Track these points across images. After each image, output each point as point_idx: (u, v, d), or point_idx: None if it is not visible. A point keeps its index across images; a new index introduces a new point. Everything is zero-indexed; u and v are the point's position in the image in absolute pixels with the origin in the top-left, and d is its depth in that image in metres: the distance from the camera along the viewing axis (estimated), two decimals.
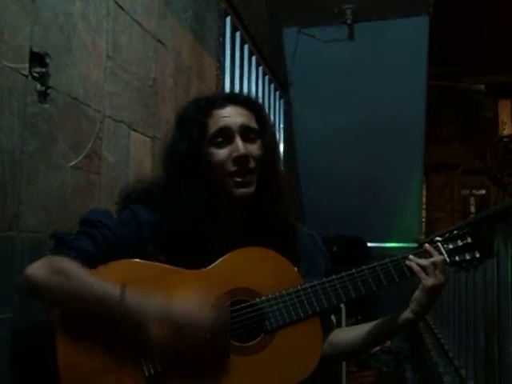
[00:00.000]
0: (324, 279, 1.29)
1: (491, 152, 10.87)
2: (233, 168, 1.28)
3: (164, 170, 1.36)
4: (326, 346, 1.36)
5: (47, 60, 1.49)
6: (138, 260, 1.24)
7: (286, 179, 1.43)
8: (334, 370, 3.12)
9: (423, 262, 1.29)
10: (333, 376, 3.11)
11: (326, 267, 1.40)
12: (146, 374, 1.16)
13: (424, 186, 9.20)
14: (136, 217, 1.30)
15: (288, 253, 1.31)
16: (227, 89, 3.43)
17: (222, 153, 1.29)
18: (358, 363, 4.18)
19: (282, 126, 5.53)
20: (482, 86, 10.38)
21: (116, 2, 1.88)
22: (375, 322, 1.38)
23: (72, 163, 1.62)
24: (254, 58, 4.39)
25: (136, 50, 2.05)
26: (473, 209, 12.30)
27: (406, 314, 1.30)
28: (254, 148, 1.31)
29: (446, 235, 1.36)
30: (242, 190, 1.29)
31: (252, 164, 1.30)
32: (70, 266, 1.18)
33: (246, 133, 1.31)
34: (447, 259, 1.32)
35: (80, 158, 1.66)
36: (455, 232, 1.36)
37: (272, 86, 5.15)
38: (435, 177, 11.60)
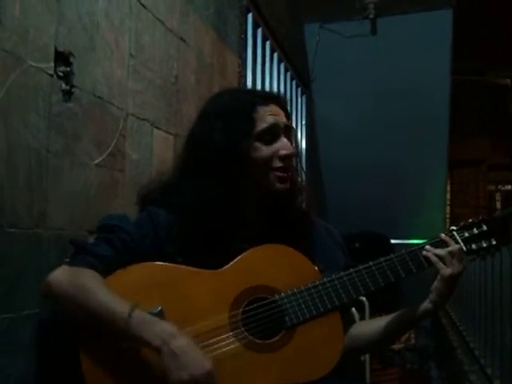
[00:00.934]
0: (342, 273, 1.28)
1: None
2: (278, 164, 1.31)
3: (189, 164, 1.34)
4: (347, 339, 1.35)
5: (71, 59, 1.51)
6: (155, 263, 1.25)
7: (305, 174, 1.46)
8: (357, 366, 3.10)
9: (440, 251, 1.28)
10: (357, 373, 3.10)
11: (344, 261, 1.39)
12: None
13: (448, 182, 9.09)
14: (153, 219, 1.30)
15: (306, 248, 1.32)
16: (249, 86, 3.43)
17: (268, 149, 1.31)
18: (381, 360, 4.16)
19: (303, 122, 5.51)
20: (508, 81, 10.21)
21: (138, 1, 1.89)
22: (395, 313, 1.37)
23: (96, 161, 1.64)
24: (275, 55, 4.39)
25: (158, 48, 2.06)
26: (498, 205, 12.13)
27: (426, 305, 1.30)
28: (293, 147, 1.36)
29: (462, 224, 1.35)
30: (283, 185, 1.32)
31: (293, 162, 1.35)
32: (85, 277, 1.19)
33: (288, 132, 1.35)
34: (464, 248, 1.32)
35: (104, 155, 1.68)
36: (470, 220, 1.35)
37: (294, 82, 5.14)
38: (460, 172, 11.46)
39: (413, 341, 4.55)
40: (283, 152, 1.31)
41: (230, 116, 1.31)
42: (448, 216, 9.37)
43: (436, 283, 1.28)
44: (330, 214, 5.56)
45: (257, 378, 1.20)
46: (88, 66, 1.60)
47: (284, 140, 1.32)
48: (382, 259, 1.30)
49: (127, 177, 1.82)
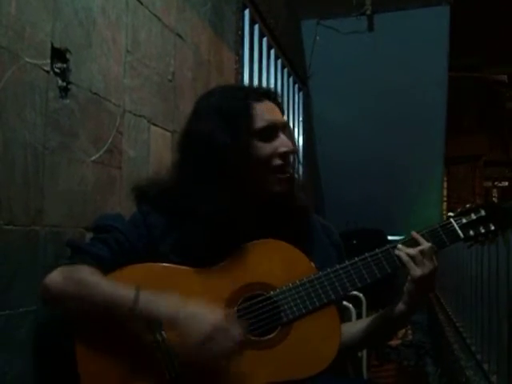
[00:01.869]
0: (337, 266, 1.28)
1: None
2: (278, 162, 1.29)
3: (186, 163, 1.31)
4: None
5: (68, 56, 1.50)
6: (150, 264, 1.25)
7: (302, 171, 1.45)
8: (354, 362, 3.12)
9: (411, 251, 1.26)
10: (353, 369, 3.11)
11: (340, 261, 1.36)
12: (167, 377, 1.17)
13: (445, 178, 9.11)
14: (146, 218, 1.30)
15: (303, 246, 1.31)
16: (246, 82, 3.43)
17: (268, 147, 1.29)
18: (378, 357, 4.17)
19: (301, 118, 5.51)
20: (505, 77, 10.22)
21: None
22: (376, 314, 1.37)
23: (93, 158, 1.64)
24: (272, 51, 4.38)
25: (155, 45, 2.05)
26: (495, 201, 12.15)
27: (400, 307, 1.29)
28: None
29: (459, 210, 1.33)
30: (282, 187, 1.30)
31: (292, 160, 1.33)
32: (83, 274, 1.20)
33: (285, 129, 1.34)
34: (461, 235, 1.30)
35: (101, 152, 1.68)
36: (468, 206, 1.33)
37: (291, 78, 5.13)
38: (456, 168, 11.48)
39: (410, 337, 4.56)
40: (283, 149, 1.29)
41: (227, 114, 1.27)
42: (444, 212, 9.38)
43: (407, 284, 1.27)
44: (327, 211, 5.56)
45: (254, 375, 1.20)
46: (84, 63, 1.59)
47: (283, 137, 1.31)
48: (377, 250, 1.29)
49: (124, 173, 1.82)
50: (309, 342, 1.24)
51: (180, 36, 2.27)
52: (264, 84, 4.05)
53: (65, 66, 1.49)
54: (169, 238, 1.28)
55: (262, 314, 1.23)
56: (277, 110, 1.34)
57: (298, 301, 1.24)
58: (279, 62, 4.62)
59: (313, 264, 1.29)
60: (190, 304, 1.15)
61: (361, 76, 5.23)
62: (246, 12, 3.58)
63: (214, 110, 1.30)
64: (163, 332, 1.16)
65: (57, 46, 1.46)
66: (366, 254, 1.29)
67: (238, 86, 1.43)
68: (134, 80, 1.89)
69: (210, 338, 1.11)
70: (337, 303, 1.31)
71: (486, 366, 2.56)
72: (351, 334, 1.37)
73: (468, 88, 10.07)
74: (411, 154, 5.56)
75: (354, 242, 4.73)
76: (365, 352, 3.12)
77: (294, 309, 1.24)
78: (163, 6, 2.12)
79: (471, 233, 1.31)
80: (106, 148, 1.70)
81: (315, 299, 1.25)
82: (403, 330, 4.47)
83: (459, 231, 1.30)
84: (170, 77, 2.19)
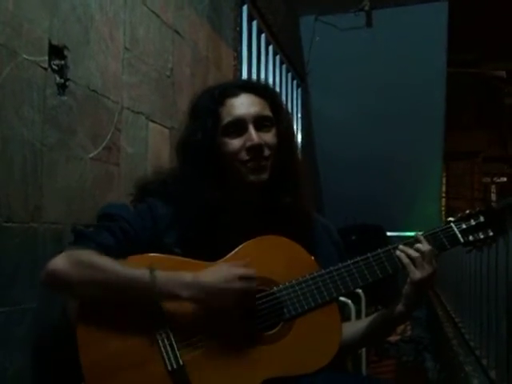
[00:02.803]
0: (340, 264, 1.28)
1: None
2: (246, 157, 1.28)
3: (178, 161, 1.36)
4: None
5: (66, 52, 1.50)
6: (154, 254, 1.25)
7: (303, 167, 1.42)
8: (354, 358, 3.12)
9: (412, 253, 1.27)
10: (353, 365, 3.12)
11: (340, 259, 1.36)
12: (169, 368, 1.17)
13: (444, 174, 9.11)
14: (152, 210, 1.30)
15: (304, 242, 1.31)
16: (244, 78, 3.42)
17: (235, 142, 1.29)
18: (378, 352, 4.18)
19: (299, 115, 5.51)
20: (503, 73, 10.22)
21: None
22: (375, 314, 1.38)
23: (91, 155, 1.64)
24: (270, 48, 4.38)
25: (153, 41, 2.05)
26: (494, 197, 12.17)
27: (399, 307, 1.29)
28: (269, 136, 1.31)
29: (459, 215, 1.35)
30: (255, 176, 1.29)
31: (266, 152, 1.29)
32: (92, 256, 1.19)
33: (260, 121, 1.30)
34: (461, 239, 1.32)
35: (99, 149, 1.68)
36: (468, 212, 1.35)
37: (289, 75, 5.13)
38: (455, 164, 11.50)
39: (409, 332, 4.57)
40: (248, 143, 1.27)
41: (198, 114, 1.33)
42: (443, 208, 9.39)
43: (406, 286, 1.27)
44: (326, 207, 5.57)
45: (255, 370, 1.20)
46: (82, 60, 1.59)
47: (251, 131, 1.28)
48: (379, 250, 1.30)
49: (122, 170, 1.82)
50: (310, 338, 1.25)
51: (178, 33, 2.27)
52: (262, 80, 4.04)
53: (63, 62, 1.49)
54: (173, 230, 1.28)
55: (264, 310, 1.24)
56: (253, 101, 1.32)
57: (301, 297, 1.25)
58: (277, 58, 4.61)
59: (315, 260, 1.30)
60: (204, 274, 1.19)
61: (359, 72, 5.23)
62: (244, 8, 3.58)
63: (191, 110, 1.37)
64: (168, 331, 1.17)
65: (55, 42, 1.46)
66: (368, 254, 1.30)
67: (221, 83, 1.41)
68: (132, 77, 1.88)
69: (230, 279, 1.17)
70: (337, 300, 1.32)
71: (484, 362, 2.56)
72: (351, 333, 1.37)
73: (466, 84, 10.07)
74: (410, 150, 5.56)
75: (353, 237, 4.74)
76: (364, 348, 3.13)
77: (297, 305, 1.25)
78: (161, 3, 2.11)
79: (470, 238, 1.33)
80: (104, 145, 1.70)
81: (317, 296, 1.26)
82: (402, 326, 4.48)
83: (459, 236, 1.32)
84: (168, 73, 2.18)
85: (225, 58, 2.91)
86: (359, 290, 3.10)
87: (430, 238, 1.30)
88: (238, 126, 1.29)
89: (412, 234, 1.35)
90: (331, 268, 1.28)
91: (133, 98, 1.89)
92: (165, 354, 1.17)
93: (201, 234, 1.26)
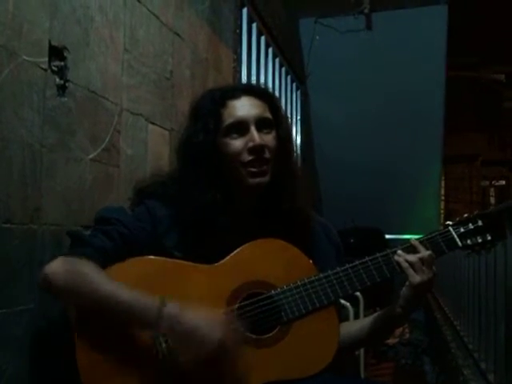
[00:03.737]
0: (338, 268, 1.29)
1: (511, 143, 10.73)
2: (248, 158, 1.28)
3: (179, 162, 1.37)
4: None
5: (65, 54, 1.50)
6: (153, 257, 1.25)
7: (301, 170, 1.43)
8: (352, 361, 3.12)
9: (411, 257, 1.27)
10: (351, 368, 3.11)
11: (339, 260, 1.38)
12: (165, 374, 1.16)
13: (443, 177, 9.11)
14: (151, 212, 1.30)
15: (302, 244, 1.31)
16: (244, 81, 3.42)
17: (237, 143, 1.29)
18: (376, 355, 4.18)
19: (298, 117, 5.51)
20: (503, 76, 10.24)
21: None
22: (373, 316, 1.38)
23: (91, 156, 1.64)
24: (270, 50, 4.38)
25: (153, 43, 2.05)
26: (492, 200, 12.17)
27: (397, 309, 1.30)
28: (269, 138, 1.32)
29: (458, 219, 1.35)
30: (256, 180, 1.29)
31: (267, 154, 1.30)
32: (89, 270, 1.18)
33: (261, 124, 1.31)
34: (459, 243, 1.32)
35: (98, 150, 1.68)
36: (466, 216, 1.35)
37: (289, 77, 5.13)
38: (454, 167, 11.50)
39: (407, 335, 4.57)
40: (250, 144, 1.28)
41: (199, 115, 1.33)
42: (442, 211, 9.39)
43: (404, 289, 1.28)
44: (324, 209, 5.56)
45: (253, 374, 1.20)
46: (82, 61, 1.59)
47: (253, 132, 1.29)
48: (377, 254, 1.30)
49: (122, 172, 1.82)
50: (307, 341, 1.25)
51: (178, 34, 2.27)
52: (262, 82, 4.05)
53: (62, 64, 1.49)
54: (173, 232, 1.28)
55: (262, 313, 1.23)
56: (254, 104, 1.33)
57: (299, 301, 1.25)
58: (277, 60, 4.62)
59: (313, 264, 1.30)
60: (187, 315, 1.13)
61: (359, 75, 5.23)
62: (244, 11, 3.58)
63: (191, 111, 1.37)
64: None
65: (54, 43, 1.46)
66: (367, 258, 1.30)
67: (222, 86, 1.42)
68: (131, 78, 1.88)
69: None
70: (336, 303, 1.32)
71: (483, 365, 2.56)
72: (348, 333, 1.38)
73: (466, 87, 10.08)
74: (409, 153, 5.56)
75: (352, 240, 4.74)
76: (362, 351, 3.13)
77: (295, 309, 1.25)
78: (161, 5, 2.12)
79: (469, 242, 1.34)
80: (103, 146, 1.70)
81: (315, 300, 1.26)
82: (400, 329, 4.48)
83: (457, 239, 1.32)
84: (167, 75, 2.18)
85: (224, 60, 2.91)
86: (358, 293, 3.10)
87: (428, 241, 1.31)
88: (240, 127, 1.30)
89: (410, 236, 1.36)
90: (329, 271, 1.28)
91: (132, 100, 1.89)
92: (162, 356, 1.17)
93: (200, 236, 1.26)
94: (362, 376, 3.16)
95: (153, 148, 2.04)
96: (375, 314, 1.38)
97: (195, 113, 1.36)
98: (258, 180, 1.29)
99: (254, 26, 3.90)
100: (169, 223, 1.29)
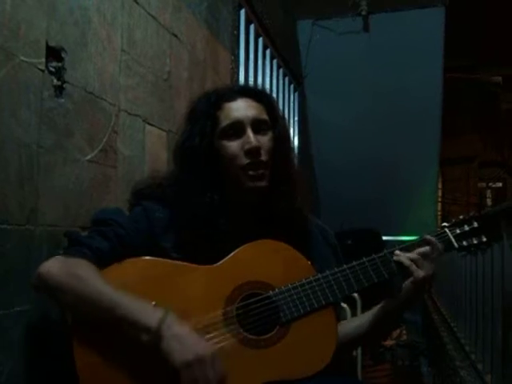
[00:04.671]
0: (336, 269, 1.29)
1: (508, 144, 10.75)
2: (245, 161, 1.29)
3: (176, 165, 1.37)
4: None
5: (63, 54, 1.50)
6: (150, 258, 1.25)
7: (298, 171, 1.42)
8: (349, 363, 3.12)
9: (411, 255, 1.29)
10: (348, 369, 3.11)
11: (336, 262, 1.38)
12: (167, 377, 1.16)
13: (440, 179, 9.13)
14: (148, 214, 1.30)
15: (300, 246, 1.32)
16: (242, 82, 3.42)
17: (233, 145, 1.29)
18: (373, 357, 4.17)
19: (296, 118, 5.51)
20: (499, 78, 10.27)
21: None
22: (370, 311, 1.39)
23: (88, 157, 1.63)
24: (268, 51, 4.38)
25: (151, 44, 2.05)
26: (489, 202, 12.20)
27: (396, 304, 1.32)
28: (266, 140, 1.32)
29: (453, 221, 1.36)
30: (254, 184, 1.29)
31: (264, 157, 1.30)
32: (84, 270, 1.18)
33: (258, 125, 1.32)
34: (455, 244, 1.33)
35: (96, 151, 1.67)
36: (461, 217, 1.37)
37: (286, 78, 5.13)
38: (451, 169, 11.52)
39: (404, 337, 4.56)
40: (246, 146, 1.28)
41: (195, 118, 1.33)
42: (439, 213, 9.41)
43: (407, 284, 1.29)
44: (322, 211, 5.56)
45: (251, 374, 1.20)
46: (80, 62, 1.59)
47: (249, 134, 1.29)
48: (374, 255, 1.31)
49: (119, 173, 1.82)
50: (306, 342, 1.25)
51: (176, 35, 2.27)
52: (259, 84, 4.05)
53: (60, 64, 1.49)
54: (170, 233, 1.28)
55: (260, 313, 1.24)
56: (250, 105, 1.33)
57: (297, 302, 1.26)
58: (275, 61, 4.62)
59: (311, 264, 1.30)
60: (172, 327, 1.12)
61: (356, 76, 5.23)
62: (242, 12, 3.58)
63: (188, 114, 1.37)
64: None
65: (52, 44, 1.46)
66: (364, 259, 1.30)
67: (218, 88, 1.42)
68: (129, 79, 1.88)
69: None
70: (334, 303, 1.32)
71: (480, 366, 2.56)
72: (345, 333, 1.38)
73: (463, 89, 10.10)
74: (406, 155, 5.56)
75: (349, 242, 4.73)
76: (359, 352, 3.13)
77: (293, 309, 1.25)
78: (159, 6, 2.12)
79: (464, 243, 1.35)
80: (101, 147, 1.70)
81: (314, 301, 1.26)
82: (398, 331, 4.47)
83: (453, 241, 1.34)
84: (165, 76, 2.18)
85: (222, 61, 2.91)
86: (355, 294, 3.10)
87: (423, 243, 1.32)
88: (236, 128, 1.30)
89: (408, 238, 1.37)
90: (327, 272, 1.28)
91: (130, 101, 1.89)
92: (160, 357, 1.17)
93: (198, 237, 1.26)
94: (359, 377, 3.15)
95: (150, 149, 2.04)
96: (371, 311, 1.39)
97: (191, 115, 1.36)
98: (255, 184, 1.29)
99: (252, 27, 3.90)
100: (166, 224, 1.29)
